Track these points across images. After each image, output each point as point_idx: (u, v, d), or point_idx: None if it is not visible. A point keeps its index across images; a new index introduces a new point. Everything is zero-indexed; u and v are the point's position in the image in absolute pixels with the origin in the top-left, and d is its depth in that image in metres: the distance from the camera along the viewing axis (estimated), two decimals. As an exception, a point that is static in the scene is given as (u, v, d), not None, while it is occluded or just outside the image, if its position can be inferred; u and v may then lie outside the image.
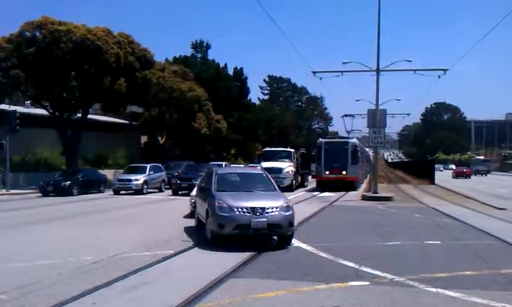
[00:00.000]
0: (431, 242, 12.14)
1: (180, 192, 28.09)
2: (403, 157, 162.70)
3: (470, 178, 60.59)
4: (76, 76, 34.38)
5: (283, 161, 32.79)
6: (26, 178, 33.62)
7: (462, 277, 8.35)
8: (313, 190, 33.31)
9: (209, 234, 11.15)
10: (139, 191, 29.24)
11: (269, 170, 22.21)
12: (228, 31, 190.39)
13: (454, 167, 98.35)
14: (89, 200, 25.47)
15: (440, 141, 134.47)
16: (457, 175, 63.01)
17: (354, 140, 37.72)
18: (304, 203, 23.75)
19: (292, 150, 35.82)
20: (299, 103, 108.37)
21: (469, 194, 29.11)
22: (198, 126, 47.77)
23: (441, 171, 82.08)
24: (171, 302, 6.83)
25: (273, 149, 37.90)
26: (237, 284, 7.88)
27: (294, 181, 32.88)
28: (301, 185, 36.90)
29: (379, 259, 9.83)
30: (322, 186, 33.54)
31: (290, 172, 32.19)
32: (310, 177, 42.23)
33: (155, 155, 43.08)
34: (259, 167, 26.41)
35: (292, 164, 33.18)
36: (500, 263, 9.45)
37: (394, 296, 7.22)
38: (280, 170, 30.99)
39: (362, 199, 25.71)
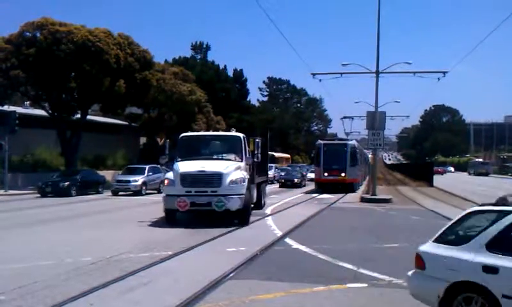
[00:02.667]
0: (429, 244, 12.12)
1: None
2: (402, 159, 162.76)
3: (443, 175, 77.19)
4: (76, 77, 34.41)
5: (223, 158, 16.26)
6: (25, 178, 33.60)
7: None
8: (312, 192, 33.30)
9: None
10: (137, 192, 29.23)
11: (194, 179, 14.52)
12: (227, 32, 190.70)
13: (452, 169, 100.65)
14: (88, 201, 25.46)
15: (439, 144, 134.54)
16: (435, 173, 76.18)
17: (353, 142, 37.72)
18: (302, 205, 23.76)
19: (241, 135, 17.11)
20: (299, 105, 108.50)
21: (468, 197, 29.10)
22: (197, 128, 47.80)
23: None
24: (169, 304, 6.84)
25: (202, 134, 20.20)
26: (235, 285, 7.88)
27: (250, 202, 16.37)
28: (257, 204, 19.43)
29: (378, 261, 9.84)
30: (321, 188, 33.51)
31: (240, 181, 15.26)
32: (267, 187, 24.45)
33: (154, 156, 43.04)
34: (168, 175, 15.93)
35: (242, 164, 16.24)
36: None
37: (392, 298, 7.23)
38: (217, 179, 14.94)
39: (361, 201, 25.71)
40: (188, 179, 14.81)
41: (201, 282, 7.93)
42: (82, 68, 33.34)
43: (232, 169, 15.32)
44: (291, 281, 8.12)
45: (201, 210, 15.21)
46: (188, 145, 16.90)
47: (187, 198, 14.60)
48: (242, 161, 16.27)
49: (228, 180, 14.86)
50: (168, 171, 18.78)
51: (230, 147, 16.77)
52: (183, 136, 17.14)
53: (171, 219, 15.45)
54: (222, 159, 16.17)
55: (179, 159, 15.96)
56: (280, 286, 7.81)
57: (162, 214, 16.71)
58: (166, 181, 15.65)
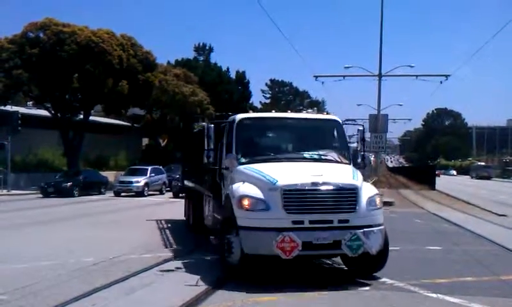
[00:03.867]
0: (431, 247, 12.12)
1: (180, 195, 28.09)
2: (404, 162, 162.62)
3: (439, 176, 72.07)
4: (79, 77, 34.52)
5: (322, 159, 9.45)
6: (27, 178, 33.67)
7: (462, 283, 8.33)
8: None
9: None
10: (140, 193, 29.27)
11: (309, 199, 8.03)
12: (231, 34, 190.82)
13: (455, 172, 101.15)
14: (90, 202, 25.48)
15: (441, 147, 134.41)
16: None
17: (355, 145, 37.64)
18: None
19: (339, 119, 10.53)
20: (301, 107, 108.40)
21: (470, 200, 29.07)
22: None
23: None
24: (171, 305, 6.84)
25: (280, 117, 10.73)
26: (237, 287, 7.86)
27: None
28: None
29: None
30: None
31: (379, 201, 8.60)
32: None
33: (156, 158, 43.13)
34: (244, 189, 8.35)
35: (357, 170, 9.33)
36: (500, 269, 9.44)
37: (394, 301, 7.22)
38: (351, 198, 8.21)
39: (363, 204, 25.63)
40: (298, 198, 7.97)
41: (205, 282, 7.93)
42: (85, 68, 33.42)
43: (362, 180, 8.81)
44: (293, 284, 8.09)
45: (319, 256, 9.17)
46: (255, 136, 10.00)
47: (296, 235, 7.69)
48: (350, 163, 9.66)
49: (365, 199, 8.32)
50: (234, 181, 8.83)
51: (327, 139, 10.17)
52: (244, 119, 9.66)
53: (251, 271, 8.35)
54: (321, 160, 9.39)
55: (242, 160, 9.16)
56: (282, 288, 7.79)
57: (165, 215, 16.68)
58: (246, 202, 8.04)
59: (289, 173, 8.36)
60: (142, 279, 8.31)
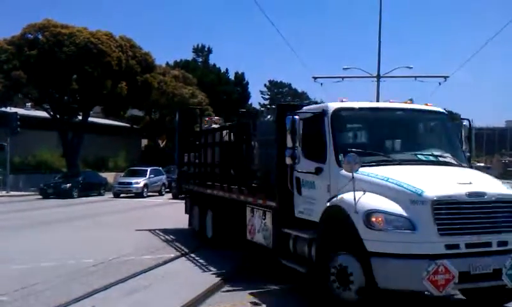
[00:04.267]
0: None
1: (180, 196, 28.03)
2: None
3: None
4: (78, 79, 34.50)
5: (439, 161, 7.51)
6: (26, 180, 33.61)
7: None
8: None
9: None
10: (139, 194, 29.26)
11: (466, 214, 6.10)
12: (229, 35, 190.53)
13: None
14: (90, 203, 25.46)
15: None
16: None
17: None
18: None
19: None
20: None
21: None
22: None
23: None
24: (170, 306, 6.83)
25: (385, 107, 8.44)
26: (237, 288, 7.86)
27: None
28: None
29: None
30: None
31: None
32: None
33: (155, 159, 43.09)
34: (379, 204, 6.24)
35: None
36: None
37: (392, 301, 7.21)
38: (510, 213, 6.40)
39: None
40: (453, 214, 6.14)
41: (204, 284, 7.92)
42: (84, 70, 33.36)
43: None
44: (293, 284, 8.08)
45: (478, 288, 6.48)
46: (355, 131, 8.37)
47: (451, 263, 5.86)
48: (469, 166, 8.09)
49: None
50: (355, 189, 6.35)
51: (437, 136, 8.53)
52: (340, 110, 7.61)
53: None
54: (439, 163, 7.48)
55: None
56: (281, 289, 7.77)
57: (164, 216, 16.69)
58: (379, 219, 6.10)
59: (434, 181, 6.41)
60: (142, 281, 8.31)
